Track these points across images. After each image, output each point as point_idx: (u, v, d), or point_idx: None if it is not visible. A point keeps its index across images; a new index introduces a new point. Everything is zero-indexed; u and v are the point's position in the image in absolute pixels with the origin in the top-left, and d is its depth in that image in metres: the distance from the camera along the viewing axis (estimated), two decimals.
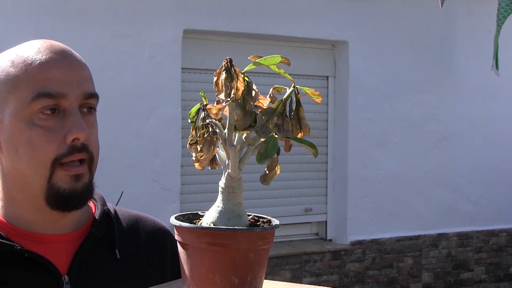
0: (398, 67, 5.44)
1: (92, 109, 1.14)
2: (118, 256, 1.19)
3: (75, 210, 1.14)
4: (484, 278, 6.01)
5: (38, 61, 1.09)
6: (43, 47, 1.12)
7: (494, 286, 6.07)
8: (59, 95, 1.08)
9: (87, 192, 1.13)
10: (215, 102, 0.85)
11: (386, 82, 5.39)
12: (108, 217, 1.23)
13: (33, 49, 1.11)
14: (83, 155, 1.10)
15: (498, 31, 5.08)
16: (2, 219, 1.15)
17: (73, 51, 1.16)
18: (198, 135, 0.86)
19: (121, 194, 3.75)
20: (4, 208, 1.15)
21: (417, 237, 5.62)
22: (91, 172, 1.14)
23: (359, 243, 5.37)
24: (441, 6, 4.73)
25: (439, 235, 5.73)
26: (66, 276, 1.12)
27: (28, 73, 1.08)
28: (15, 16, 4.06)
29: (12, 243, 1.10)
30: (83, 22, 4.24)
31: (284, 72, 0.86)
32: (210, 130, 0.85)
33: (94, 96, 1.14)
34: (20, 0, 4.09)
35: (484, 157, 5.86)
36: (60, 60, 1.10)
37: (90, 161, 1.13)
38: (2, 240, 1.10)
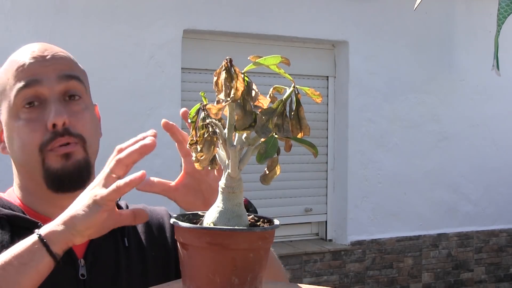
0: (398, 67, 5.43)
1: (76, 96, 1.20)
2: (127, 244, 1.27)
3: (73, 190, 1.16)
4: (484, 278, 6.01)
5: (17, 61, 1.19)
6: (28, 48, 1.21)
7: (494, 286, 6.07)
8: (34, 81, 1.16)
9: (81, 170, 1.18)
10: (215, 102, 0.85)
11: (386, 82, 5.39)
12: (118, 207, 1.28)
13: (19, 53, 1.21)
14: (67, 139, 1.16)
15: (498, 31, 5.07)
16: (24, 205, 1.23)
17: (57, 49, 1.23)
18: (198, 135, 0.86)
19: None
20: (24, 198, 1.23)
21: (417, 237, 5.62)
22: (86, 151, 1.20)
23: (359, 243, 5.36)
24: (415, 8, 4.72)
25: (439, 235, 5.73)
26: (82, 260, 1.19)
27: (9, 74, 1.19)
28: (15, 16, 4.06)
29: (36, 220, 1.16)
30: (83, 22, 4.24)
31: (284, 72, 0.86)
32: (210, 130, 0.85)
33: (71, 77, 1.19)
34: (20, 0, 4.09)
35: (484, 157, 5.86)
36: (36, 54, 1.19)
37: (82, 142, 1.19)
38: (27, 217, 1.17)
